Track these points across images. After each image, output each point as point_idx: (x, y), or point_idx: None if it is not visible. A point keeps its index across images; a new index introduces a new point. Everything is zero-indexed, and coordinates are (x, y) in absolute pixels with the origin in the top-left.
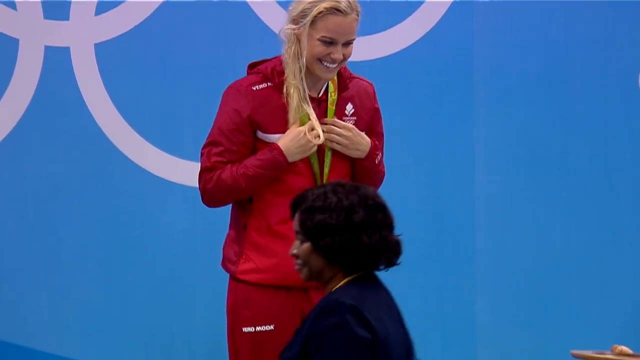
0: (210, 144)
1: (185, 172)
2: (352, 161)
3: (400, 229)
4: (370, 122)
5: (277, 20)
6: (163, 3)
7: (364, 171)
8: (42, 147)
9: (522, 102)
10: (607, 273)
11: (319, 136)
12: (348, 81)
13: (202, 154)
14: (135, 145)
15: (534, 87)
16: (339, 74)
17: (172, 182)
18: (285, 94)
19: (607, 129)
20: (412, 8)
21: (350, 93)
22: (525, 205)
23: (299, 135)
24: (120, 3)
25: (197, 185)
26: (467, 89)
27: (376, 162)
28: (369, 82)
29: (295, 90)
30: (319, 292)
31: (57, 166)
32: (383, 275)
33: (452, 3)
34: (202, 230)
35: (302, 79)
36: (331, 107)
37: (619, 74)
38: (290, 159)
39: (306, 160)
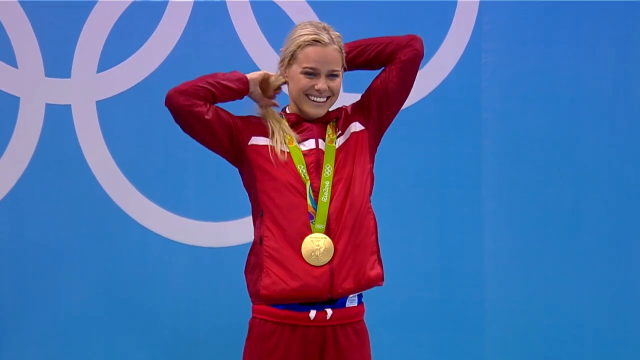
0: None
1: (189, 231)
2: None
3: (408, 286)
4: (358, 114)
5: None
6: (165, 60)
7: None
8: (42, 205)
9: (532, 156)
10: (621, 333)
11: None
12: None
13: None
14: (137, 203)
15: (543, 140)
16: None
17: (175, 242)
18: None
19: (619, 181)
20: (420, 64)
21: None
22: (536, 261)
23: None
24: (121, 61)
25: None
26: (476, 144)
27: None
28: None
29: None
30: (342, 328)
31: (58, 225)
32: (394, 326)
33: (460, 58)
34: (205, 290)
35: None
36: (330, 145)
37: (630, 124)
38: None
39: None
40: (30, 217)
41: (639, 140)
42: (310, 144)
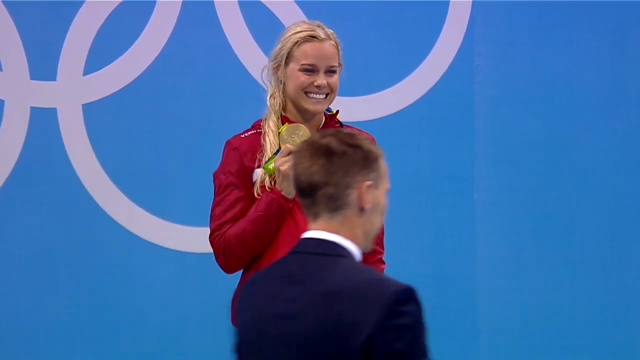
0: (214, 206)
1: (177, 237)
2: None
3: None
4: None
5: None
6: (153, 63)
7: None
8: (27, 211)
9: (525, 161)
10: (616, 339)
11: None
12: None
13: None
14: (124, 208)
15: (537, 144)
16: (334, 122)
17: (163, 247)
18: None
19: (614, 186)
20: (411, 67)
21: None
22: (529, 267)
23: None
24: (108, 63)
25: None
26: (468, 148)
27: None
28: (369, 135)
29: (269, 129)
30: None
31: (43, 230)
32: None
33: (452, 61)
34: (193, 297)
35: (278, 118)
36: None
37: (626, 128)
38: (285, 193)
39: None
40: (15, 223)
41: (634, 144)
42: None
